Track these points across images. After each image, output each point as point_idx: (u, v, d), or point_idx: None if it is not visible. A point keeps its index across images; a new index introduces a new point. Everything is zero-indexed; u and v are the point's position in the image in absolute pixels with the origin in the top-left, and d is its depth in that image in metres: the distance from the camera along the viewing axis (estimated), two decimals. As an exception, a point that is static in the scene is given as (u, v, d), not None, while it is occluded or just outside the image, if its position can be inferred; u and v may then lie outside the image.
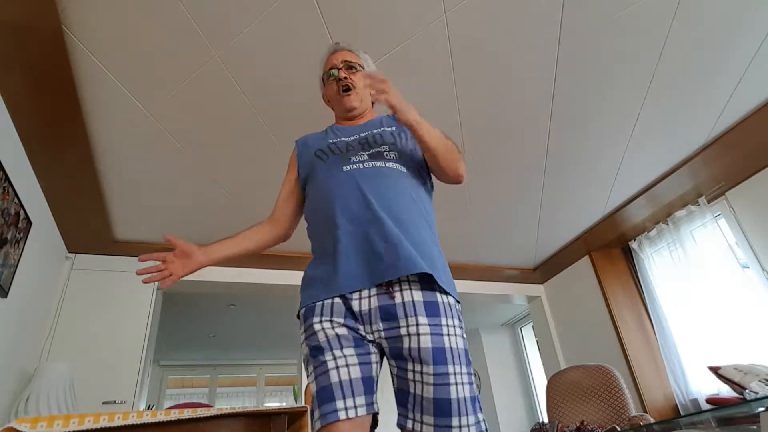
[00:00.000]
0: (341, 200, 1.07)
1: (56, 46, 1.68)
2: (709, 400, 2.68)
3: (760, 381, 2.19)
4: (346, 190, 1.09)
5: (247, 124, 2.21)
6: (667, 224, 3.26)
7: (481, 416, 0.91)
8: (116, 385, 2.73)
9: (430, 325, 0.94)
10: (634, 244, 3.57)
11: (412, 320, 0.95)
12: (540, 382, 5.18)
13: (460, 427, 0.86)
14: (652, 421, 2.43)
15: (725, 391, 2.59)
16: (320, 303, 1.00)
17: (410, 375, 0.93)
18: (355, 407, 0.88)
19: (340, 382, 0.90)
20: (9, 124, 1.96)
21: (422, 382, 0.91)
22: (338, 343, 0.94)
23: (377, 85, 1.07)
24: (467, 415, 0.88)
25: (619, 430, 2.17)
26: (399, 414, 0.95)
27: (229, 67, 1.91)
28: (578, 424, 2.38)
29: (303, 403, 2.35)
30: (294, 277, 3.48)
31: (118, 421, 1.22)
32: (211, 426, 1.34)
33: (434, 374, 0.90)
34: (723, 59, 2.09)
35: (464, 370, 0.93)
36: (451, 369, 0.91)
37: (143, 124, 2.12)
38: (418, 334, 0.93)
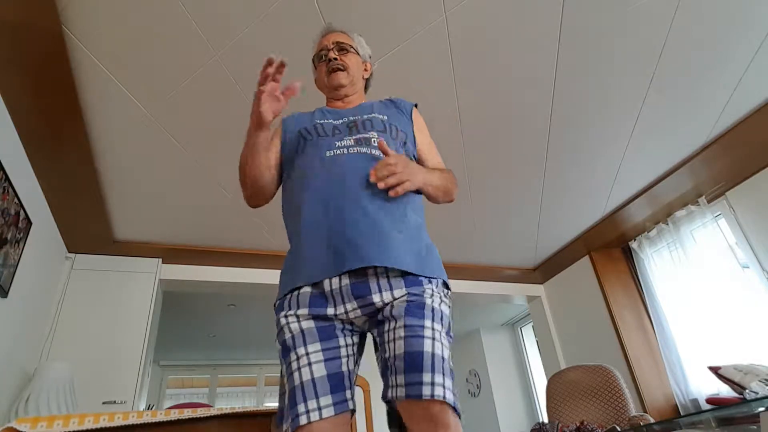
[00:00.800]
0: (318, 186, 1.02)
1: (56, 46, 1.68)
2: (709, 400, 2.68)
3: (760, 381, 2.19)
4: (326, 175, 1.03)
5: (247, 124, 2.20)
6: (667, 224, 3.26)
7: (453, 385, 0.81)
8: (116, 385, 2.72)
9: (409, 293, 0.89)
10: (634, 244, 3.57)
11: (386, 294, 0.90)
12: (540, 382, 5.18)
13: (432, 384, 0.76)
14: (652, 421, 2.43)
15: (725, 391, 2.59)
16: (288, 295, 0.96)
17: (385, 337, 0.87)
18: (319, 408, 0.82)
19: (302, 383, 0.84)
20: (9, 124, 1.96)
21: (394, 339, 0.84)
22: (302, 340, 0.89)
23: (383, 173, 0.97)
24: (441, 373, 0.79)
25: (619, 430, 2.17)
26: (383, 387, 0.87)
27: (229, 67, 1.91)
28: (578, 424, 2.38)
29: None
30: (294, 277, 3.48)
31: (118, 421, 1.22)
32: (212, 426, 1.34)
33: (405, 326, 0.83)
34: (723, 59, 2.09)
35: (442, 329, 0.86)
36: (428, 323, 0.84)
37: (143, 124, 2.12)
38: (393, 299, 0.89)
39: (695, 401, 2.96)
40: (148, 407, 3.88)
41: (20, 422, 1.15)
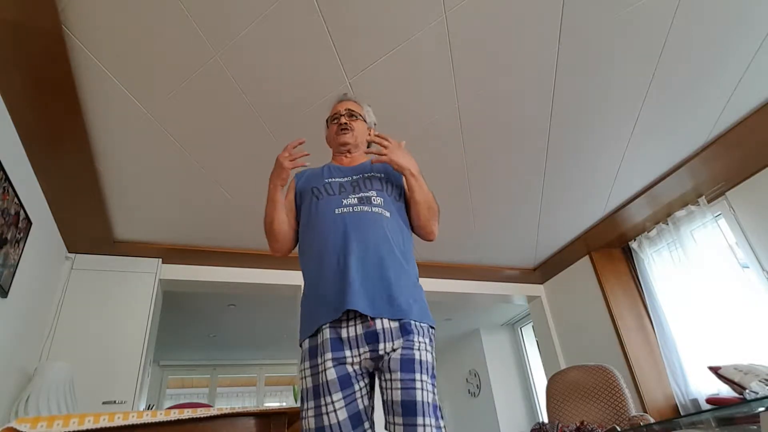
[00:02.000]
0: (331, 240, 1.25)
1: (56, 46, 1.68)
2: (709, 400, 2.68)
3: (760, 381, 2.19)
4: (336, 232, 1.25)
5: (246, 124, 2.21)
6: (667, 224, 3.26)
7: (442, 423, 1.07)
8: (116, 385, 2.73)
9: (403, 346, 1.12)
10: (634, 244, 3.57)
11: (389, 344, 1.13)
12: (540, 382, 5.18)
13: (424, 426, 1.02)
14: (652, 421, 2.43)
15: (725, 391, 2.59)
16: (316, 344, 1.17)
17: (384, 384, 1.11)
18: None
19: (330, 425, 1.07)
20: (9, 124, 1.96)
21: (391, 389, 1.08)
22: (328, 390, 1.10)
23: (382, 142, 1.37)
24: (430, 416, 1.04)
25: (619, 430, 2.17)
26: (384, 422, 1.12)
27: (229, 67, 1.91)
28: (578, 424, 2.38)
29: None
30: (294, 277, 3.48)
31: (118, 421, 1.22)
32: (211, 426, 1.34)
33: (401, 380, 1.07)
34: (723, 59, 2.09)
35: (428, 378, 1.10)
36: (417, 377, 1.08)
37: (143, 124, 2.12)
38: (392, 351, 1.12)
39: (695, 401, 2.96)
40: (148, 407, 3.88)
41: (20, 422, 1.15)
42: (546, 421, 2.73)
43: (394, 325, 1.14)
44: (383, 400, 1.12)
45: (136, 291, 3.05)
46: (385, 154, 1.35)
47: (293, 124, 2.21)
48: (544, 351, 4.32)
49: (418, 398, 1.05)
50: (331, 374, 1.10)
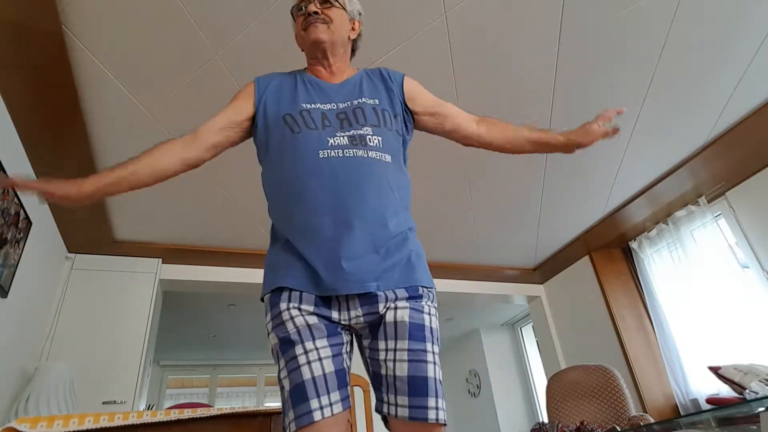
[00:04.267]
0: (315, 197, 0.94)
1: (56, 46, 1.68)
2: (709, 400, 2.68)
3: (760, 381, 2.19)
4: (321, 182, 0.94)
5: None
6: (667, 224, 3.26)
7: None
8: (116, 385, 2.72)
9: (410, 306, 0.91)
10: (634, 244, 3.57)
11: (391, 303, 0.91)
12: (540, 382, 5.18)
13: (436, 409, 0.82)
14: (652, 421, 2.43)
15: (725, 391, 2.59)
16: (288, 290, 0.91)
17: (382, 355, 0.88)
18: (331, 404, 0.82)
19: (313, 378, 0.82)
20: (9, 124, 1.96)
21: (394, 360, 0.86)
22: (309, 334, 0.86)
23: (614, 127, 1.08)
24: (441, 397, 0.84)
25: (619, 430, 2.17)
26: (376, 399, 0.90)
27: (229, 67, 1.91)
28: (578, 424, 2.38)
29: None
30: (294, 277, 3.48)
31: (118, 421, 1.22)
32: (212, 426, 1.34)
33: (409, 350, 0.85)
34: (723, 59, 2.09)
35: (438, 350, 0.90)
36: (429, 347, 0.87)
37: (143, 124, 2.12)
38: (395, 309, 0.90)
39: (695, 401, 2.96)
40: (148, 407, 3.88)
41: (20, 422, 1.15)
42: (546, 421, 2.73)
43: (400, 291, 0.93)
44: (376, 373, 0.90)
45: (136, 291, 3.05)
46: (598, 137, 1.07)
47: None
48: (544, 351, 4.31)
49: (430, 374, 0.84)
50: (313, 319, 0.88)
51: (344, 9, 1.15)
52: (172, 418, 1.29)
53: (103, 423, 1.20)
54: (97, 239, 2.94)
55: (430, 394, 0.83)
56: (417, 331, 0.88)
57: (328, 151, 0.97)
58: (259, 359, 6.80)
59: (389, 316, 0.90)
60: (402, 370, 0.84)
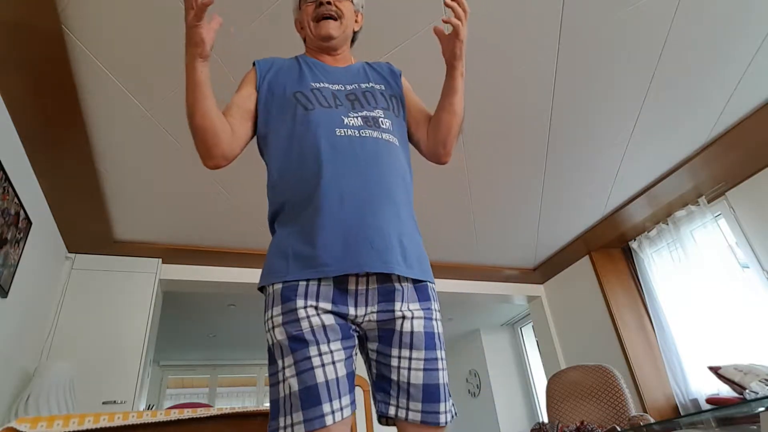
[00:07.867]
0: (333, 171, 0.91)
1: (56, 46, 1.68)
2: (709, 400, 2.68)
3: (760, 381, 2.19)
4: (342, 160, 0.92)
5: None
6: (667, 224, 3.26)
7: None
8: (116, 385, 2.73)
9: (422, 309, 0.90)
10: (634, 244, 3.57)
11: (405, 305, 0.89)
12: (540, 382, 5.18)
13: (445, 412, 0.85)
14: (652, 421, 2.43)
15: (725, 391, 2.59)
16: (304, 283, 0.85)
17: (395, 362, 0.87)
18: (341, 409, 0.79)
19: (327, 381, 0.78)
20: (9, 124, 1.96)
21: (409, 369, 0.86)
22: (325, 336, 0.82)
23: (462, 4, 0.97)
24: (448, 400, 0.87)
25: (619, 430, 2.17)
26: (379, 401, 0.89)
27: (229, 67, 1.91)
28: (578, 424, 2.38)
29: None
30: (294, 277, 3.48)
31: (118, 421, 1.22)
32: (212, 426, 1.34)
33: (425, 359, 0.86)
34: (723, 59, 2.09)
35: (444, 356, 0.91)
36: (439, 354, 0.89)
37: (143, 124, 2.12)
38: (412, 318, 0.88)
39: (695, 401, 2.96)
40: (148, 407, 3.88)
41: (20, 422, 1.15)
42: (546, 421, 2.73)
43: (411, 286, 0.92)
44: (384, 377, 0.88)
45: (136, 291, 3.05)
46: (459, 25, 1.00)
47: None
48: (544, 351, 4.32)
49: (441, 381, 0.87)
50: (329, 319, 0.84)
51: (351, 1, 1.17)
52: (172, 418, 1.29)
53: (103, 423, 1.20)
54: (97, 239, 2.94)
55: (442, 400, 0.86)
56: (430, 340, 0.89)
57: (345, 129, 0.95)
58: (259, 359, 6.80)
59: (406, 326, 0.88)
60: (417, 378, 0.86)
